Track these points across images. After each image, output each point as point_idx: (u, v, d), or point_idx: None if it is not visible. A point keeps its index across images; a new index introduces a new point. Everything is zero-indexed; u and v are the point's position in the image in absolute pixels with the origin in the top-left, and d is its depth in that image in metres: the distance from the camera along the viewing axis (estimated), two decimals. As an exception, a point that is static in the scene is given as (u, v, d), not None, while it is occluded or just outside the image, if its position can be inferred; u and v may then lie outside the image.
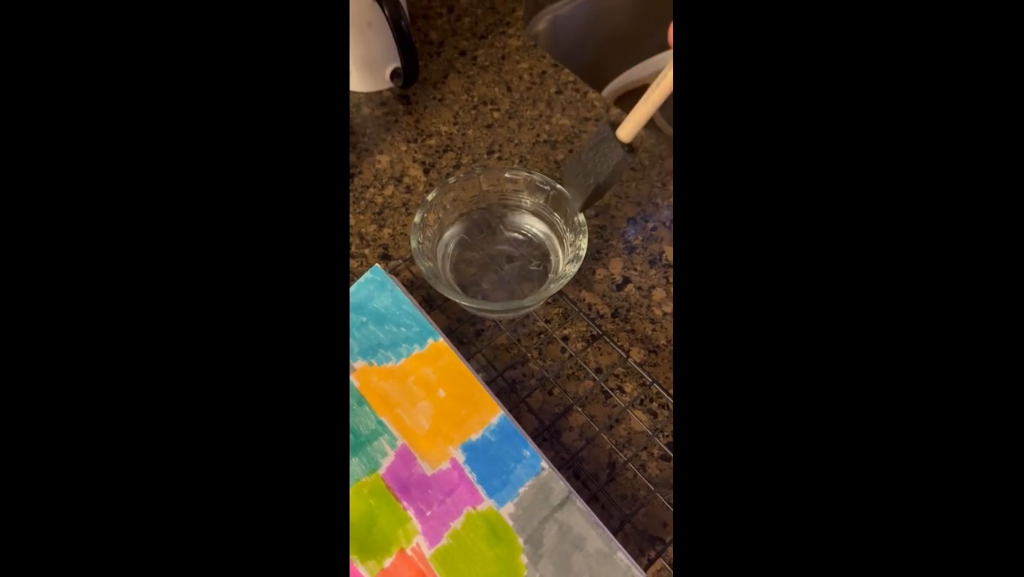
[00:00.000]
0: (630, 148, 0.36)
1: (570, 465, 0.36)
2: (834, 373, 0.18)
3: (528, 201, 0.42)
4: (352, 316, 0.38)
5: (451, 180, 0.39)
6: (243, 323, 0.18)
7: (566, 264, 0.38)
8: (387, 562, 0.30)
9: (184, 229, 0.18)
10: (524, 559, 0.30)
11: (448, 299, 0.38)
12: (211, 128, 0.19)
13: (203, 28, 0.18)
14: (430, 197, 0.39)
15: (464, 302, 0.37)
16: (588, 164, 0.37)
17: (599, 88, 0.73)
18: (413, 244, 0.37)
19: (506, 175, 0.40)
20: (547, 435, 0.37)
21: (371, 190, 0.48)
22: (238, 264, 0.19)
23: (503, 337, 0.41)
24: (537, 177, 0.40)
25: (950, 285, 0.17)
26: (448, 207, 0.41)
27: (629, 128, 0.35)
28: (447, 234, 0.42)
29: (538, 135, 0.51)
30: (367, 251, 0.45)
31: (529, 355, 0.40)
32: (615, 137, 0.35)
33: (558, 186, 0.39)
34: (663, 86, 0.32)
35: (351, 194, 0.48)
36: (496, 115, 0.53)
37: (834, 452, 0.17)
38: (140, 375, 0.18)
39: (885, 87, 0.18)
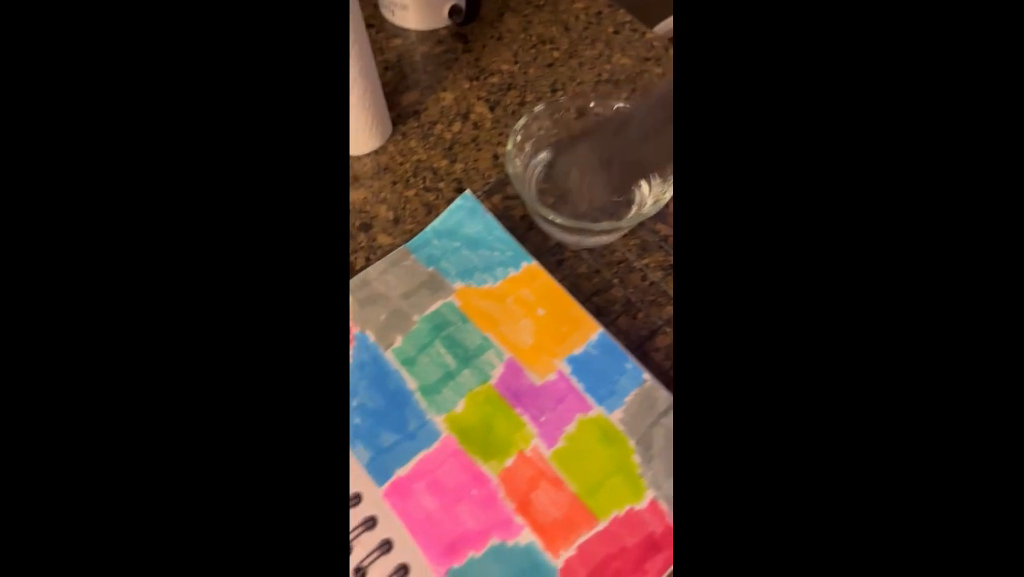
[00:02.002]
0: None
1: (662, 383, 0.37)
2: (834, 373, 0.18)
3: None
4: (445, 242, 0.38)
5: (538, 108, 0.40)
6: (242, 319, 0.18)
7: (652, 203, 0.39)
8: (508, 462, 0.31)
9: (184, 223, 0.18)
10: (636, 459, 0.32)
11: (527, 231, 0.38)
12: (211, 117, 0.18)
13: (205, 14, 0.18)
14: (518, 124, 0.39)
15: (559, 219, 0.37)
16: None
17: (651, 25, 0.73)
18: (509, 169, 0.37)
19: (591, 104, 0.41)
20: (637, 355, 0.38)
21: (439, 126, 0.49)
22: (238, 258, 0.18)
23: (584, 267, 0.42)
24: (623, 106, 0.40)
25: (949, 283, 0.17)
26: (542, 134, 0.41)
27: None
28: (533, 160, 0.42)
29: (599, 74, 0.52)
30: (442, 185, 0.45)
31: (613, 282, 0.41)
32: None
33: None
34: None
35: (419, 130, 0.49)
36: (556, 54, 0.53)
37: (835, 452, 0.17)
38: (142, 364, 0.18)
39: (883, 92, 0.18)
